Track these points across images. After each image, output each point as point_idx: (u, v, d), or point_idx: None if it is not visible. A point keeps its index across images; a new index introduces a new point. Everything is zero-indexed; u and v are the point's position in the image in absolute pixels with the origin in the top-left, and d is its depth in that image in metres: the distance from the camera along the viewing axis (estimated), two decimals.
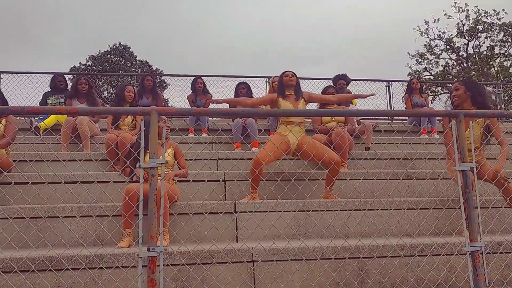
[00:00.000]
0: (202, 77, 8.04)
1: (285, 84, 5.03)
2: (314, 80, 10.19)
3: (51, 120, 6.94)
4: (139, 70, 32.64)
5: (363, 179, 5.04)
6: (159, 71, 32.65)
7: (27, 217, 3.88)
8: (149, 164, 2.64)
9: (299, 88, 5.11)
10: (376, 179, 5.06)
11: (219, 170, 5.55)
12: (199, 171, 4.98)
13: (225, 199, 4.91)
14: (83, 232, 3.89)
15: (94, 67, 31.50)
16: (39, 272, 3.11)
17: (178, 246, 3.37)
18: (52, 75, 7.91)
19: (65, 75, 8.00)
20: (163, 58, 54.50)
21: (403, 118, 9.25)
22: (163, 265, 2.59)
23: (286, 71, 5.10)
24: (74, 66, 31.53)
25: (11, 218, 3.86)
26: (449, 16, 26.45)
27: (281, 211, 4.22)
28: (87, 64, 32.12)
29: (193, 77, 8.11)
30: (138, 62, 33.41)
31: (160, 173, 2.95)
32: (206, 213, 4.10)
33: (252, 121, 6.67)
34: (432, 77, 26.86)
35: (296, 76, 5.08)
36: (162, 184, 2.72)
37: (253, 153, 6.04)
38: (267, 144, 4.82)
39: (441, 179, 5.27)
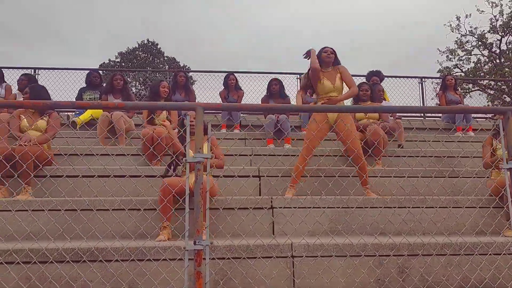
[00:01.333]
0: (234, 73, 8.08)
1: (324, 60, 5.02)
2: None
3: (86, 115, 7.09)
4: (167, 66, 33.00)
5: (407, 177, 5.00)
6: (186, 67, 32.91)
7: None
8: (195, 159, 2.67)
9: (337, 63, 5.10)
10: (421, 177, 5.02)
11: (252, 166, 5.57)
12: (236, 166, 5.02)
13: (259, 195, 4.93)
14: (122, 225, 3.94)
15: (123, 64, 31.91)
16: (90, 262, 3.20)
17: (224, 240, 3.41)
18: (88, 71, 8.08)
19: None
20: (190, 54, 54.86)
21: (436, 115, 9.10)
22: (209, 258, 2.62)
23: (326, 47, 5.06)
24: (104, 63, 32.04)
25: (46, 210, 3.96)
26: (482, 11, 25.75)
27: (319, 207, 4.21)
28: (116, 60, 32.60)
29: (225, 73, 8.15)
30: (165, 58, 33.73)
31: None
32: (243, 208, 4.12)
33: (285, 117, 6.67)
34: (463, 74, 26.26)
35: (335, 54, 5.07)
36: (208, 179, 2.75)
37: (286, 150, 6.07)
38: (308, 134, 4.86)
39: (487, 177, 5.18)
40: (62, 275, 3.18)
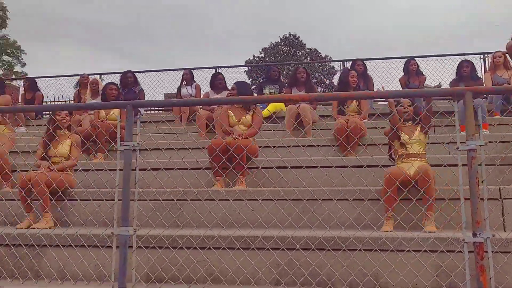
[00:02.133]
0: (415, 58, 7.78)
1: None
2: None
3: (271, 108, 7.40)
4: (308, 58, 33.28)
5: None
6: (328, 57, 32.82)
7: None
8: (467, 146, 2.54)
9: None
10: None
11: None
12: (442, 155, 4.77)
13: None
14: (346, 215, 3.95)
15: (267, 59, 32.94)
16: (318, 250, 3.28)
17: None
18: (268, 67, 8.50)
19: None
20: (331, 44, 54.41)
21: None
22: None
23: None
24: (249, 59, 33.46)
25: (275, 199, 4.15)
26: None
27: None
28: (260, 56, 33.78)
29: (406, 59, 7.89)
30: (307, 50, 34.01)
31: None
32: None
33: (481, 101, 6.13)
34: None
35: None
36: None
37: (484, 135, 5.58)
38: None
39: None
40: (308, 263, 3.32)
